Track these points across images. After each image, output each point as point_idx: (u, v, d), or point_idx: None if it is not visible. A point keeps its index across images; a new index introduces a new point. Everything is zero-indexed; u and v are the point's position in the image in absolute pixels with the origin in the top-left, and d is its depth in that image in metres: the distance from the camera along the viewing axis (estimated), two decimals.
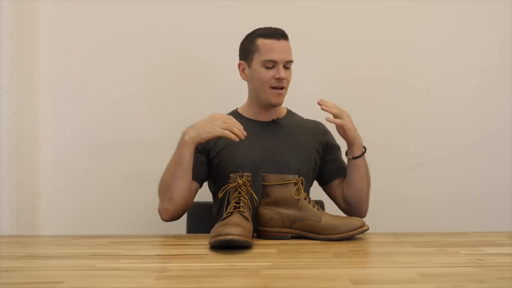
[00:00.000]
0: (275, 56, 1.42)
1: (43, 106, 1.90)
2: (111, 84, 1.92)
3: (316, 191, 1.57)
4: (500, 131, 1.97)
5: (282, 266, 0.90)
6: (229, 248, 1.03)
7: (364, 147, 1.44)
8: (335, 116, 1.39)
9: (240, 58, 1.51)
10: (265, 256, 0.99)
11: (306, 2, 1.93)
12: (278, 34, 1.44)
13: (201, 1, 1.92)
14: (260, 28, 1.48)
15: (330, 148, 1.55)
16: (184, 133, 1.34)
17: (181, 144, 1.33)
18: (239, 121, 1.51)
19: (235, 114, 1.56)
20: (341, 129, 1.40)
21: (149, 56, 1.92)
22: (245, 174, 1.22)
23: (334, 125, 1.44)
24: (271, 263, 0.92)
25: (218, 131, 1.29)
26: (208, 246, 1.07)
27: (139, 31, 1.91)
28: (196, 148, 1.39)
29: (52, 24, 1.91)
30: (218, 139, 1.45)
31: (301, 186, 1.20)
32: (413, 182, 1.95)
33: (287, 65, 1.44)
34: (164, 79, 1.93)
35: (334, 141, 1.57)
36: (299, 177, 1.21)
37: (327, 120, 1.39)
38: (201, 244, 1.12)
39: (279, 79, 1.42)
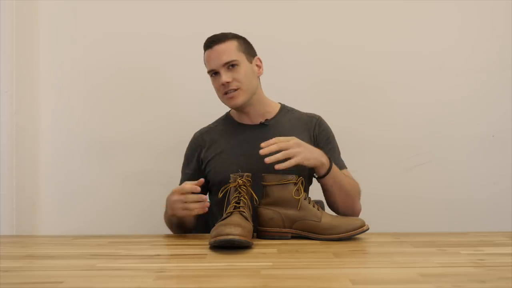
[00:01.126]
0: (211, 65, 1.42)
1: (43, 106, 1.90)
2: (111, 84, 1.92)
3: (316, 191, 1.57)
4: (500, 131, 1.97)
5: (282, 266, 0.90)
6: (229, 248, 1.03)
7: (330, 162, 1.31)
8: (286, 157, 1.22)
9: None
10: (265, 256, 0.99)
11: (309, 5, 1.93)
12: (210, 43, 1.43)
13: (200, 2, 1.92)
14: None
15: (319, 144, 1.46)
16: (167, 204, 1.30)
17: (169, 213, 1.30)
18: (229, 125, 1.53)
19: (227, 117, 1.56)
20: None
21: (149, 55, 1.92)
22: (245, 174, 1.22)
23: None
24: (271, 263, 0.91)
25: (180, 213, 1.24)
26: (208, 246, 1.07)
27: (139, 31, 1.91)
28: (190, 161, 1.50)
29: (52, 24, 1.91)
30: (208, 149, 1.48)
31: (301, 186, 1.20)
32: (413, 182, 1.95)
33: (229, 65, 1.40)
34: (164, 78, 1.93)
35: (326, 136, 1.50)
36: (299, 177, 1.21)
37: (276, 168, 1.22)
38: (201, 244, 1.12)
39: (224, 85, 1.41)
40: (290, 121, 1.51)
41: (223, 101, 1.47)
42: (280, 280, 0.80)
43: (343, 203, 1.38)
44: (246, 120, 1.51)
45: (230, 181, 1.22)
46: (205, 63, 1.47)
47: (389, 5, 1.96)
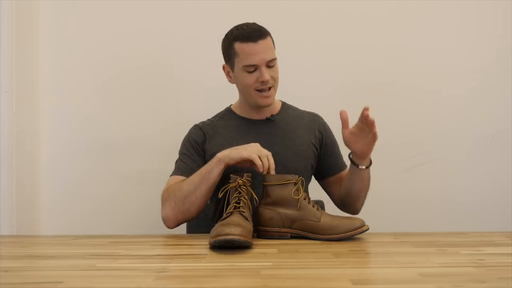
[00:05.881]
0: (255, 60, 1.35)
1: (43, 106, 1.91)
2: (111, 84, 1.92)
3: (316, 191, 1.57)
4: (500, 131, 1.97)
5: (282, 266, 0.90)
6: (229, 248, 1.03)
7: (371, 160, 1.38)
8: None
9: (224, 61, 1.46)
10: (265, 256, 0.99)
11: (303, 3, 1.93)
12: (254, 36, 1.35)
13: (198, 1, 1.92)
14: (236, 28, 1.40)
15: (327, 144, 1.51)
16: (219, 152, 1.29)
17: (213, 160, 1.28)
18: (232, 119, 1.50)
19: (229, 111, 1.53)
20: (371, 142, 1.29)
21: (149, 56, 1.92)
22: (245, 174, 1.22)
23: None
24: (271, 263, 0.91)
25: (246, 154, 1.23)
26: (208, 246, 1.07)
27: (139, 31, 1.92)
28: (195, 150, 1.44)
29: (52, 24, 1.91)
30: (212, 140, 1.44)
31: (300, 186, 1.20)
32: (413, 182, 1.95)
33: (270, 64, 1.37)
34: (164, 78, 1.93)
35: (331, 136, 1.54)
36: (298, 177, 1.21)
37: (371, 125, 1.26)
38: (201, 244, 1.12)
39: (263, 82, 1.37)
40: (294, 117, 1.52)
41: (251, 96, 1.40)
42: (280, 280, 0.80)
43: (362, 196, 1.44)
44: (253, 116, 1.48)
45: (230, 181, 1.22)
46: (239, 55, 1.37)
47: (388, 5, 1.96)
